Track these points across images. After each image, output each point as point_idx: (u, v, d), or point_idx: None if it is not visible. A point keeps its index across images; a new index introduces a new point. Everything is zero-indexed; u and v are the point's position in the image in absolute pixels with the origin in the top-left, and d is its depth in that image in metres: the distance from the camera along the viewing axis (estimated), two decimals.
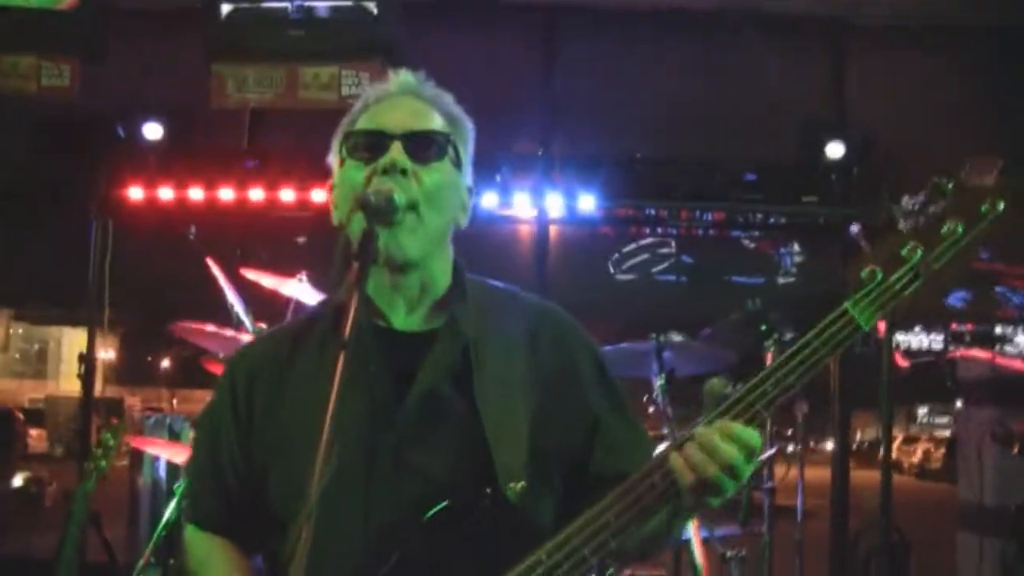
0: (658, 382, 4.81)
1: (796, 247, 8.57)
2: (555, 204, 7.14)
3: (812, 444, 6.88)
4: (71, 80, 6.12)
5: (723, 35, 7.74)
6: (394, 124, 1.99)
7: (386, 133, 1.98)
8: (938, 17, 7.95)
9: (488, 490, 1.88)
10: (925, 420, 43.20)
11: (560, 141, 7.66)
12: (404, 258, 1.94)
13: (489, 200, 7.14)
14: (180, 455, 5.53)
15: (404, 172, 1.94)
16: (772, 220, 7.57)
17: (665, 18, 7.88)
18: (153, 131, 7.10)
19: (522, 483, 1.89)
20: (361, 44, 6.16)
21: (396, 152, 1.95)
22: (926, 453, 31.62)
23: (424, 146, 1.99)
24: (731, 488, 1.76)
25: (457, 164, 2.05)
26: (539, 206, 7.17)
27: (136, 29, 7.24)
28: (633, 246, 8.44)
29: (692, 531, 4.60)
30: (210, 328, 5.16)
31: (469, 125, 2.12)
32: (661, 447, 1.94)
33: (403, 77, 2.09)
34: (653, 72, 7.84)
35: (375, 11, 6.11)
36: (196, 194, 6.98)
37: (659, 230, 8.20)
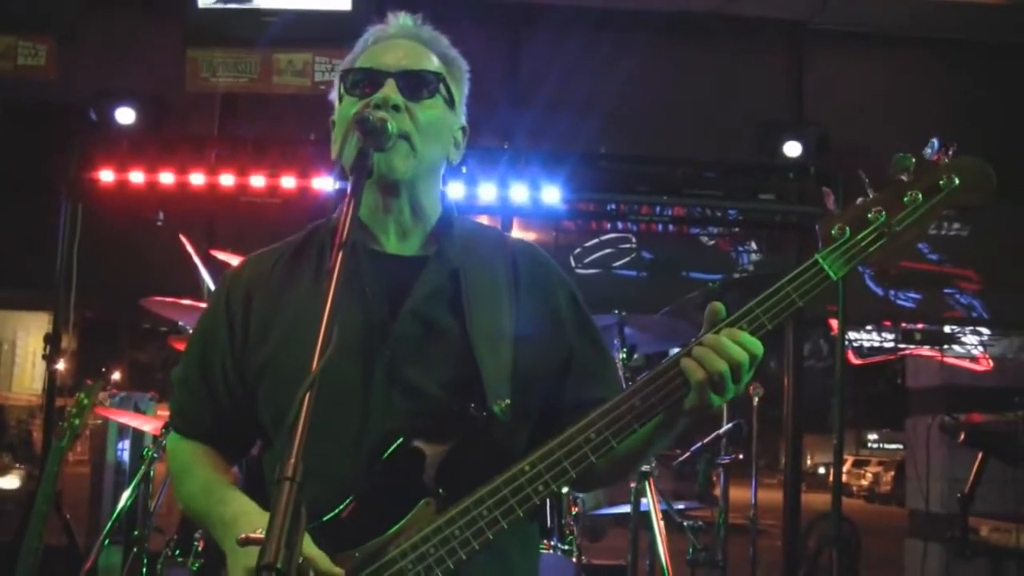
0: (619, 356, 4.91)
1: (753, 245, 8.75)
2: (519, 196, 7.24)
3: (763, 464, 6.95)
4: (47, 60, 6.19)
5: (686, 35, 7.92)
6: (389, 63, 2.07)
7: (381, 71, 2.06)
8: (891, 26, 8.22)
9: (473, 405, 1.96)
10: (876, 446, 43.53)
11: (525, 135, 7.75)
12: (394, 177, 2.01)
13: (455, 191, 7.23)
14: (147, 424, 5.60)
15: (396, 107, 2.01)
16: (731, 215, 7.72)
17: (628, 16, 8.02)
18: (125, 116, 7.13)
19: (507, 401, 1.97)
20: (334, 33, 6.26)
21: (390, 88, 2.03)
22: (876, 476, 31.77)
23: (417, 84, 2.07)
24: (731, 391, 1.87)
25: (450, 103, 2.13)
26: (503, 198, 7.28)
27: (111, 14, 7.30)
28: (595, 241, 8.58)
29: (652, 504, 4.73)
30: (186, 302, 5.17)
31: (464, 67, 2.20)
32: None
33: (402, 20, 2.17)
34: (616, 69, 7.94)
35: (349, 7, 6.24)
36: (167, 178, 6.98)
37: (620, 225, 8.36)
